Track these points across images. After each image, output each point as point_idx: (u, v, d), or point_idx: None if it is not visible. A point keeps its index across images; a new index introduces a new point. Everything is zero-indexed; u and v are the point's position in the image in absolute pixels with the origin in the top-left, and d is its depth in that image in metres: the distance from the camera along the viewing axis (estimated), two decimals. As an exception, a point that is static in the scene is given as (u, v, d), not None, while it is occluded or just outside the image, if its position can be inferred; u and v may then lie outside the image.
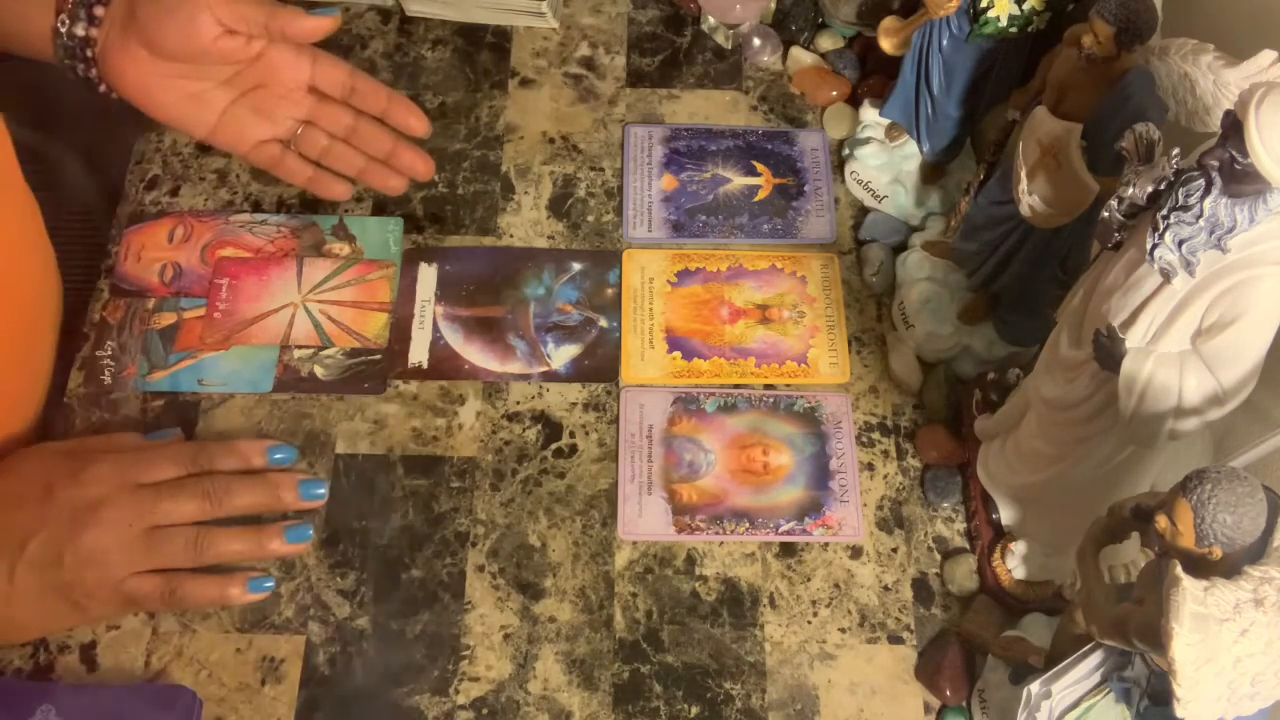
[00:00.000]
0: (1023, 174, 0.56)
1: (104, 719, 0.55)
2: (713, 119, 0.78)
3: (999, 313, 0.66)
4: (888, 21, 0.67)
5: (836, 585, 0.62)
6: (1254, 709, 0.39)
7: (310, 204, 0.73)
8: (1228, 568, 0.39)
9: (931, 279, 0.69)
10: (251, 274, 0.69)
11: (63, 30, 0.62)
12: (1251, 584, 0.38)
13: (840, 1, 0.79)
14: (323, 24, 0.63)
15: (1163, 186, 0.43)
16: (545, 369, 0.68)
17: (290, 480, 0.61)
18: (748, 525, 0.63)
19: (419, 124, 0.69)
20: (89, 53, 0.63)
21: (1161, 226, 0.42)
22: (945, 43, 0.65)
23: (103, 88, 0.65)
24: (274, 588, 0.60)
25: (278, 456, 0.62)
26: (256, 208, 0.72)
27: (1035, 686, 0.46)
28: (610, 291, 0.71)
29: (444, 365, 0.68)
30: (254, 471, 0.62)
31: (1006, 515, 0.61)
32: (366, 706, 0.58)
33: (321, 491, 0.62)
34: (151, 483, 0.58)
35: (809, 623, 0.61)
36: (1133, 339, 0.46)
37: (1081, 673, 0.46)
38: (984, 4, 0.61)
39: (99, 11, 0.62)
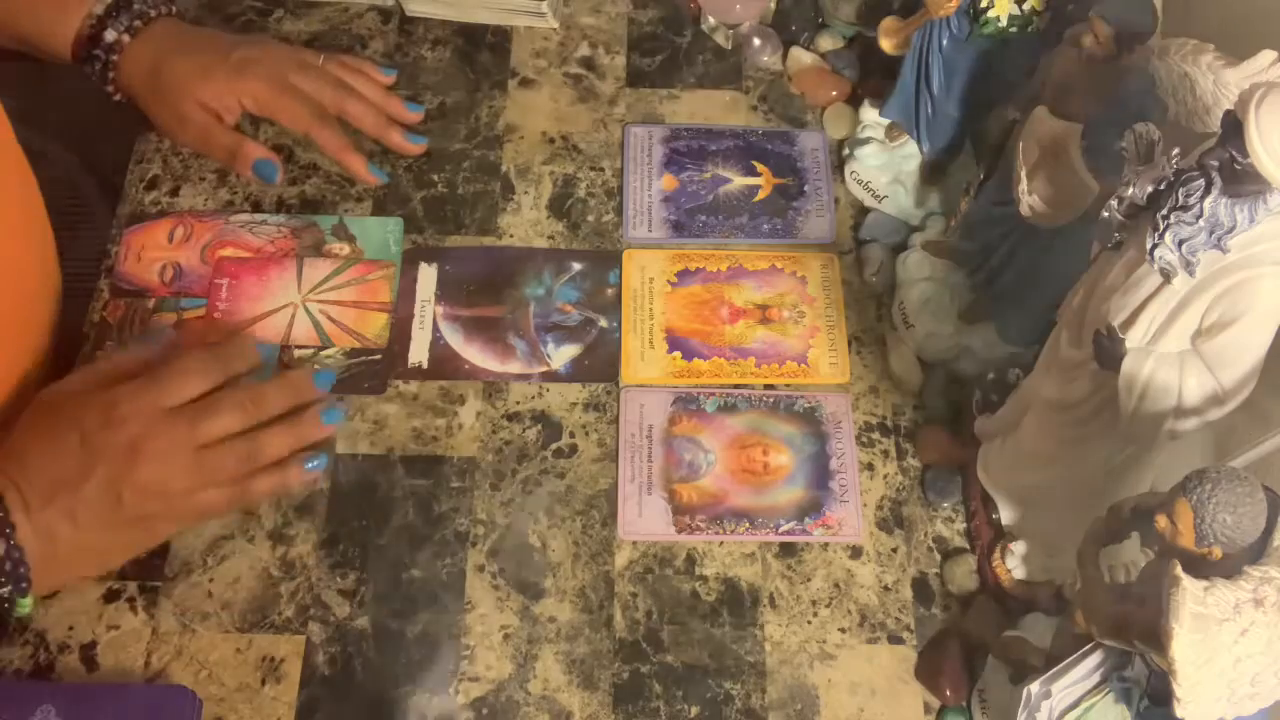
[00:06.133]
0: (1023, 174, 0.56)
1: (104, 719, 0.55)
2: (713, 119, 0.78)
3: (999, 313, 0.66)
4: (888, 21, 0.67)
5: (836, 585, 0.62)
6: (1254, 709, 0.39)
7: (310, 204, 0.73)
8: (1228, 568, 0.39)
9: (931, 279, 0.69)
10: (251, 274, 0.69)
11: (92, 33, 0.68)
12: (1251, 584, 0.38)
13: (840, 1, 0.79)
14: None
15: (1163, 186, 0.43)
16: (545, 369, 0.68)
17: (306, 377, 0.63)
18: (748, 525, 0.63)
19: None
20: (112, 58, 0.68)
21: (1161, 226, 0.42)
22: (945, 43, 0.65)
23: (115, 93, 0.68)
24: (326, 464, 0.62)
25: (264, 352, 0.65)
26: (256, 208, 0.72)
27: (1035, 686, 0.46)
28: (610, 291, 0.71)
29: (444, 365, 0.68)
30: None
31: (1006, 515, 0.61)
32: (366, 706, 0.58)
33: (332, 379, 0.64)
34: (181, 404, 0.58)
35: (809, 623, 0.61)
36: (1133, 339, 0.46)
37: (1081, 673, 0.46)
38: (984, 4, 0.61)
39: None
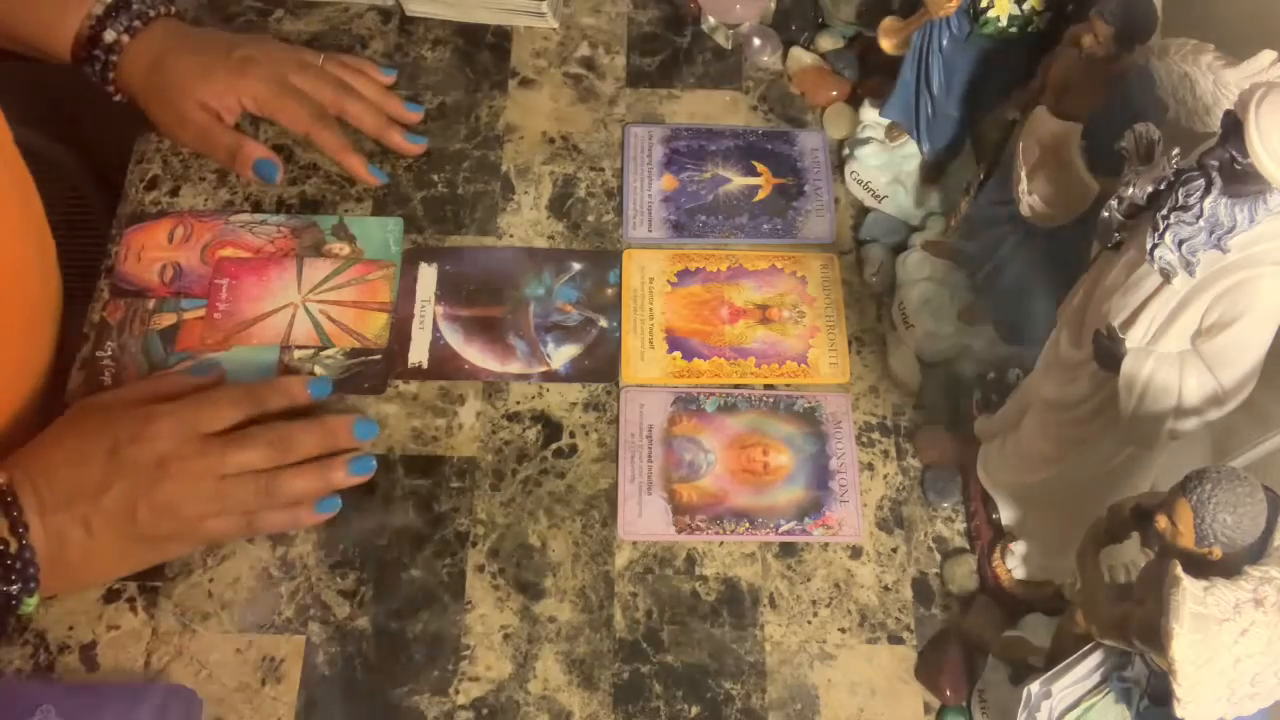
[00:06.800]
0: (1023, 174, 0.56)
1: (104, 719, 0.55)
2: (713, 119, 0.78)
3: (999, 313, 0.66)
4: (888, 21, 0.67)
5: (836, 585, 0.62)
6: (1254, 709, 0.39)
7: (310, 204, 0.73)
8: (1228, 568, 0.39)
9: (931, 279, 0.68)
10: (251, 274, 0.69)
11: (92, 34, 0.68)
12: (1251, 584, 0.38)
13: (840, 1, 0.79)
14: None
15: (1163, 186, 0.43)
16: (545, 369, 0.68)
17: (345, 425, 0.63)
18: (748, 525, 0.63)
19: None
20: (112, 58, 0.68)
21: (1161, 226, 0.42)
22: (945, 43, 0.65)
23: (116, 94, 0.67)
24: (338, 508, 0.61)
25: (315, 390, 0.64)
26: (256, 208, 0.72)
27: (1035, 686, 0.46)
28: (610, 291, 0.71)
29: (444, 365, 0.68)
30: (306, 411, 0.63)
31: (1006, 515, 0.61)
32: (366, 706, 0.58)
33: (375, 430, 0.64)
34: (215, 432, 0.59)
35: (809, 623, 0.61)
36: (1133, 339, 0.46)
37: (1081, 673, 0.46)
38: (984, 4, 0.61)
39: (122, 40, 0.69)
